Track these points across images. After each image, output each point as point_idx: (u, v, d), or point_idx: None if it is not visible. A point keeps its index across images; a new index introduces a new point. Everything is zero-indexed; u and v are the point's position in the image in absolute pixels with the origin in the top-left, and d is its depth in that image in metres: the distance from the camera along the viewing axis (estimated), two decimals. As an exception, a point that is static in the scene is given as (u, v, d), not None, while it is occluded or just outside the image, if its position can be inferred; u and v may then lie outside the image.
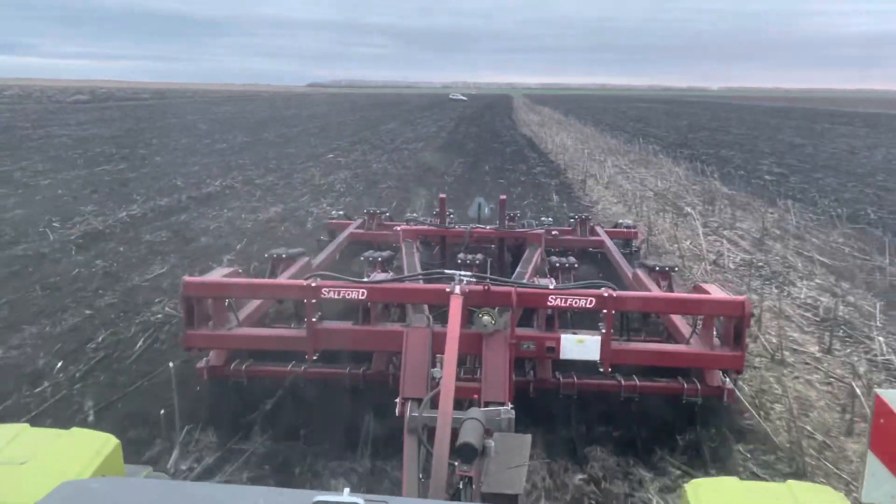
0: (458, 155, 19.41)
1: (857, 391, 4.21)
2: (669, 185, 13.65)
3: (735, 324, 3.50)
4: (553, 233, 6.32)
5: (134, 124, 29.45)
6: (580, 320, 3.95)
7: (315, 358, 3.62)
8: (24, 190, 11.56)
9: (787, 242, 8.80)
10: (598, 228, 6.76)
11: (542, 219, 7.19)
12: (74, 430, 1.63)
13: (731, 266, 7.62)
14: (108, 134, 23.69)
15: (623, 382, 3.60)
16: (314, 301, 3.55)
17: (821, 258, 8.06)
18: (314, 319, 3.57)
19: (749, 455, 3.68)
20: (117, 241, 8.24)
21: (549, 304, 3.47)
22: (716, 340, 3.63)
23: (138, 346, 4.99)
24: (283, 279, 4.46)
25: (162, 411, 3.54)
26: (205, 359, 3.77)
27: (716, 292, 3.84)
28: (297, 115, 43.12)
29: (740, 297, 3.58)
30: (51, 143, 19.73)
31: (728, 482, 1.57)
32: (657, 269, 4.84)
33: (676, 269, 5.00)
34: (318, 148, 20.79)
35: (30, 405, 4.07)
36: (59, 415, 3.94)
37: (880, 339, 5.37)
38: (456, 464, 2.12)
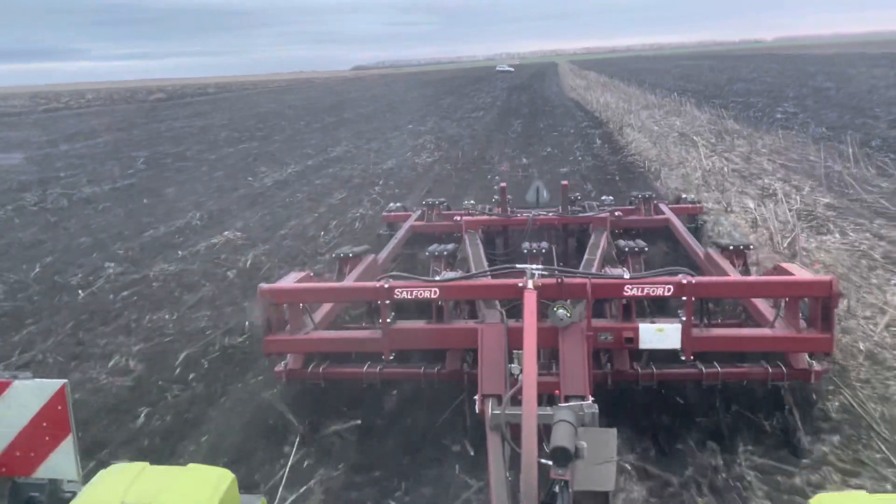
0: (515, 118, 22.98)
1: (763, 219, 7.70)
2: (693, 128, 16.91)
3: (823, 304, 3.40)
4: (617, 214, 6.16)
5: (229, 114, 33.81)
6: (653, 306, 4.04)
7: (391, 358, 3.65)
8: (206, 165, 15.70)
9: (769, 157, 12.10)
10: (662, 206, 6.64)
11: (603, 198, 6.91)
12: (191, 466, 1.73)
13: (721, 171, 11.02)
14: (217, 123, 28.01)
15: (704, 370, 3.50)
16: (388, 302, 3.57)
17: (789, 164, 11.37)
18: (388, 320, 3.61)
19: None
20: (298, 184, 12.19)
21: (625, 293, 3.42)
22: (801, 322, 3.54)
23: (356, 222, 8.85)
24: (353, 281, 4.56)
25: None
26: (283, 362, 3.85)
27: (798, 272, 3.76)
28: (361, 97, 47.09)
29: (827, 277, 3.47)
30: (182, 133, 24.07)
31: (857, 497, 1.53)
32: (731, 248, 4.74)
33: (752, 247, 4.98)
34: (397, 122, 24.59)
35: (321, 247, 7.94)
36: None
37: (797, 197, 8.80)
38: (550, 465, 2.11)
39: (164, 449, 3.83)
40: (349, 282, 4.56)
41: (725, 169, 11.30)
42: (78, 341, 5.47)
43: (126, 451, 3.81)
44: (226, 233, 8.76)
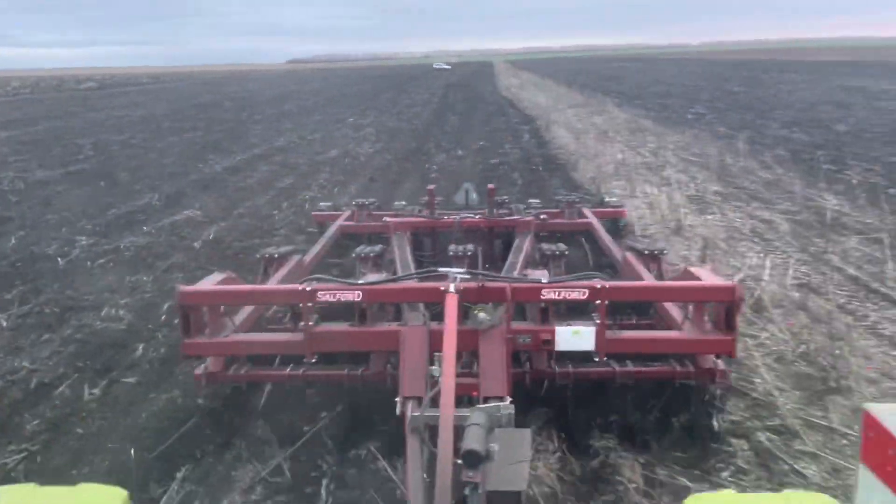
0: (451, 113, 24.17)
1: (657, 197, 9.06)
2: (612, 126, 18.42)
3: (726, 308, 3.55)
4: (542, 217, 6.32)
5: (168, 105, 33.83)
6: (573, 307, 4.09)
7: (314, 360, 3.64)
8: (154, 152, 16.23)
9: (674, 152, 13.62)
10: (585, 210, 6.84)
11: (530, 201, 7.15)
12: (82, 486, 1.65)
13: (631, 163, 12.42)
14: (158, 113, 28.16)
15: (618, 369, 3.68)
16: (310, 304, 3.56)
17: (690, 158, 12.88)
18: (311, 322, 3.60)
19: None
20: (248, 171, 13.01)
21: (542, 297, 3.53)
22: (708, 324, 3.71)
23: (306, 203, 9.82)
24: (276, 283, 4.56)
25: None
26: (203, 365, 3.83)
27: (707, 276, 3.91)
28: (300, 90, 47.44)
29: (730, 283, 3.64)
30: (124, 122, 24.25)
31: (727, 497, 1.67)
32: (647, 252, 4.99)
33: (666, 252, 5.20)
34: (338, 115, 25.41)
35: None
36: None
37: (692, 185, 10.23)
38: (461, 464, 2.17)
39: (164, 371, 4.77)
40: (272, 284, 4.60)
41: (635, 161, 12.73)
42: (68, 297, 6.29)
43: (132, 373, 4.73)
44: (185, 212, 9.58)
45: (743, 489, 3.23)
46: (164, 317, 5.72)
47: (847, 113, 19.97)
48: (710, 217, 8.52)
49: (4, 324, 5.68)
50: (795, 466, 3.45)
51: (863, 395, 4.09)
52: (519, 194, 10.13)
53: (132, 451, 3.62)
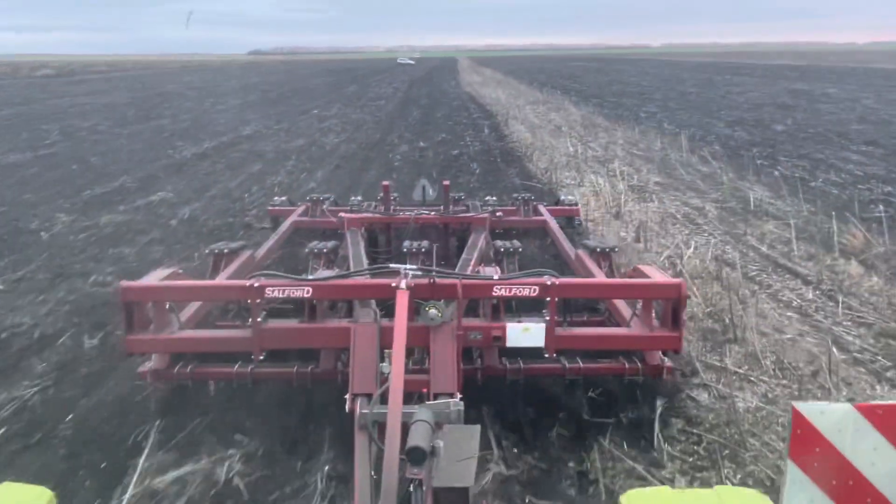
0: (414, 108, 24.81)
1: (600, 183, 9.88)
2: (567, 122, 19.29)
3: (672, 305, 3.65)
4: (498, 214, 6.34)
5: (130, 93, 33.72)
6: (526, 303, 4.13)
7: (262, 358, 3.63)
8: (121, 138, 16.51)
9: (623, 147, 14.50)
10: (540, 208, 6.85)
11: (487, 198, 7.20)
12: (6, 484, 1.65)
13: (581, 156, 13.25)
14: (121, 101, 28.18)
15: (567, 365, 3.74)
16: (258, 301, 3.54)
17: (637, 153, 13.77)
18: (259, 319, 3.57)
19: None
20: (216, 157, 13.48)
21: (493, 293, 3.58)
22: (655, 322, 3.79)
23: (275, 187, 10.38)
24: (227, 279, 4.50)
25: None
26: (147, 362, 3.79)
27: (655, 274, 4.02)
28: (263, 81, 47.47)
29: (676, 281, 3.74)
30: (87, 109, 24.30)
31: (662, 492, 1.78)
32: (598, 249, 5.07)
33: (617, 249, 5.31)
34: (302, 106, 25.82)
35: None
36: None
37: (636, 176, 11.09)
38: (406, 462, 2.18)
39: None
40: (219, 279, 4.54)
41: (586, 154, 13.57)
42: (56, 265, 6.81)
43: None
44: (159, 193, 10.07)
45: (652, 407, 3.94)
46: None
47: (787, 114, 21.19)
48: (648, 204, 9.35)
49: (1, 287, 6.19)
50: (691, 394, 4.22)
51: (754, 345, 4.89)
52: (477, 183, 10.88)
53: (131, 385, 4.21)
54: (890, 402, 1.61)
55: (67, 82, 45.87)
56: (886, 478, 1.75)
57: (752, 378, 4.42)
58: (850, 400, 1.82)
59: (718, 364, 4.63)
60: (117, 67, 79.10)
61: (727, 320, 5.27)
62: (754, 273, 6.58)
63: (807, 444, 1.75)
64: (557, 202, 7.65)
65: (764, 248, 7.31)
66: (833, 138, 15.67)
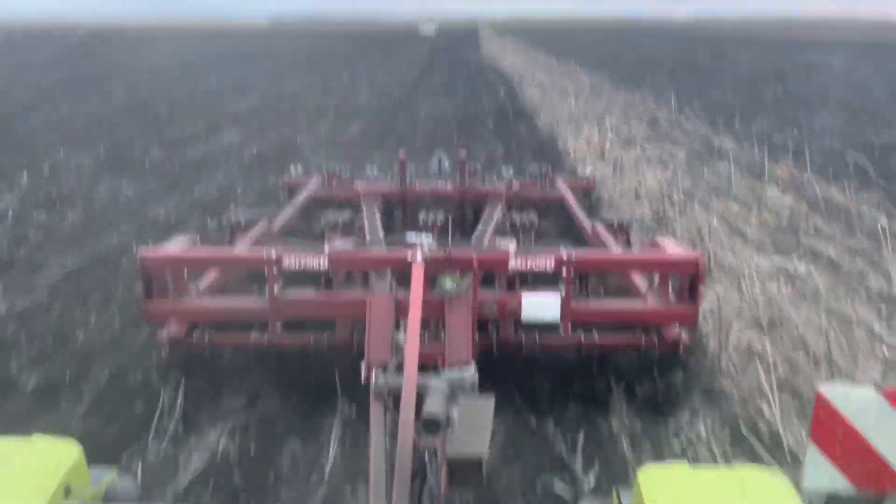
0: (437, 73, 26.74)
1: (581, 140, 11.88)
2: (575, 87, 21.13)
3: (690, 279, 3.65)
4: (514, 187, 6.29)
5: (170, 57, 35.90)
6: (542, 277, 4.10)
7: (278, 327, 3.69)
8: (180, 95, 18.63)
9: (621, 108, 16.39)
10: (558, 181, 6.72)
11: (504, 170, 7.04)
12: (35, 437, 1.66)
13: (583, 114, 15.16)
14: (164, 64, 30.35)
15: (584, 339, 3.74)
16: (275, 270, 3.59)
17: (632, 113, 15.67)
18: (276, 288, 3.62)
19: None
20: (268, 110, 15.59)
21: (509, 266, 3.63)
22: (672, 295, 3.78)
23: (322, 130, 12.47)
24: (242, 248, 4.48)
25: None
26: (165, 329, 3.80)
27: (671, 247, 4.02)
28: (289, 48, 49.36)
29: (694, 255, 3.76)
30: (136, 70, 26.50)
31: (679, 469, 1.72)
32: (615, 223, 5.07)
33: (635, 223, 5.35)
34: (332, 71, 27.82)
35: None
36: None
37: (627, 130, 13.06)
38: (421, 431, 2.20)
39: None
40: (237, 248, 4.55)
41: (587, 113, 15.51)
42: (167, 182, 9.00)
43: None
44: (227, 137, 12.26)
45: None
46: (240, 190, 8.48)
47: (782, 82, 22.87)
48: (630, 151, 11.33)
49: (132, 193, 8.39)
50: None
51: (679, 237, 6.93)
52: (490, 135, 12.90)
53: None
54: None
55: (103, 44, 48.08)
56: None
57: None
58: (876, 386, 1.85)
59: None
60: (146, 30, 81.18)
61: (667, 220, 7.35)
62: (700, 195, 8.61)
63: (829, 427, 1.73)
64: (574, 175, 7.50)
65: (713, 180, 9.33)
66: (813, 102, 17.46)
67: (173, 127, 13.15)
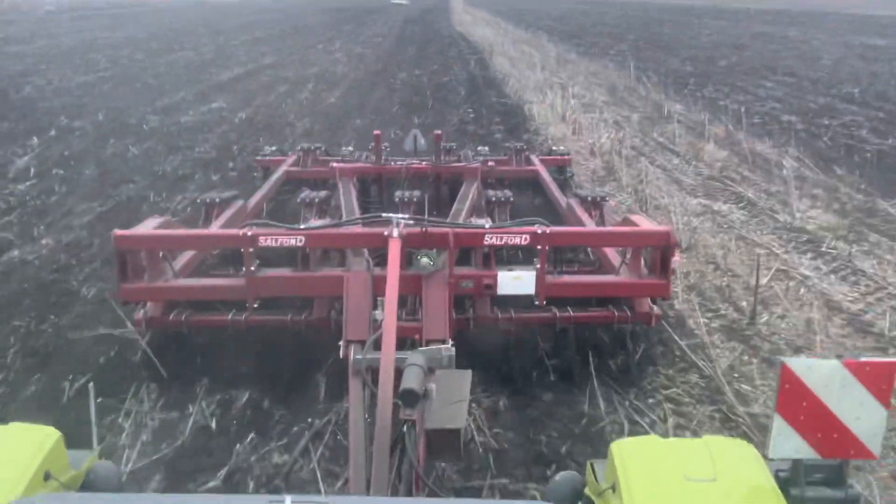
0: (409, 44, 27.48)
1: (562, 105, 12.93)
2: (543, 57, 22.10)
3: (661, 253, 3.70)
4: (489, 164, 6.31)
5: (144, 29, 35.99)
6: (517, 254, 4.29)
7: (256, 306, 3.69)
8: (161, 66, 19.23)
9: (584, 77, 17.43)
10: (532, 158, 6.79)
11: (479, 148, 7.19)
12: (13, 425, 1.66)
13: (548, 82, 16.18)
14: (139, 36, 30.60)
15: (558, 314, 3.79)
16: (251, 250, 3.59)
17: (595, 81, 16.73)
18: (252, 267, 3.62)
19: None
20: (248, 81, 16.35)
21: (485, 242, 3.66)
22: (644, 269, 3.84)
23: (304, 100, 13.34)
24: (217, 227, 4.50)
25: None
26: (142, 310, 3.80)
27: (643, 223, 4.07)
28: (261, 19, 49.41)
29: (665, 228, 3.84)
30: (113, 42, 26.83)
31: (650, 441, 1.81)
32: (589, 199, 5.12)
33: (608, 198, 5.38)
34: (307, 42, 28.39)
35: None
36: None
37: (588, 96, 14.11)
38: (400, 404, 2.25)
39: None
40: (212, 229, 4.57)
41: (552, 81, 16.53)
42: (166, 144, 9.85)
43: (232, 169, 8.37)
44: (214, 104, 13.05)
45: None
46: (235, 149, 9.38)
47: (736, 52, 24.08)
48: (589, 114, 12.40)
49: (137, 151, 9.25)
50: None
51: (622, 180, 8.02)
52: (462, 102, 13.86)
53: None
54: (878, 358, 1.77)
55: (74, 18, 47.67)
56: (870, 431, 1.81)
57: (615, 194, 7.60)
58: (839, 357, 1.86)
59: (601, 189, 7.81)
60: (116, 4, 79.84)
61: (617, 173, 8.44)
62: (647, 151, 9.73)
63: (794, 398, 1.79)
64: (550, 152, 7.44)
65: (661, 139, 10.45)
66: (762, 71, 18.67)
67: (163, 96, 13.89)
